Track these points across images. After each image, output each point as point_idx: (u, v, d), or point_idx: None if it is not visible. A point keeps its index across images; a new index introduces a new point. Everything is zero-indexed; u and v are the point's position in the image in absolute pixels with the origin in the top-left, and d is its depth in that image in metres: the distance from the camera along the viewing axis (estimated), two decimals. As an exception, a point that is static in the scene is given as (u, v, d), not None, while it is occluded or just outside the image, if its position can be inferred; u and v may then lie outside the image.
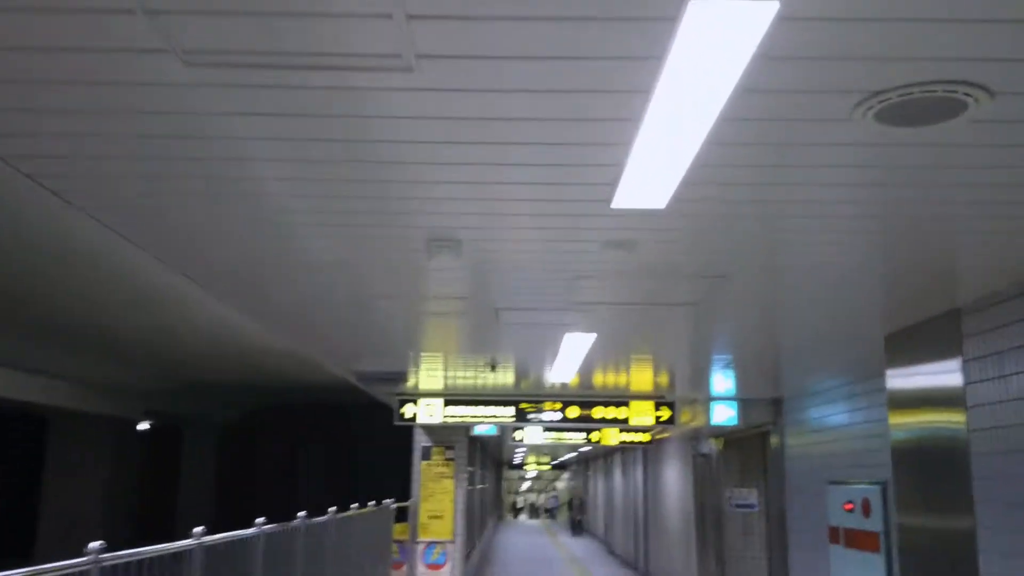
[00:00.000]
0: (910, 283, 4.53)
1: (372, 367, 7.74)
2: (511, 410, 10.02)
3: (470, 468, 17.01)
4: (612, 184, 3.02)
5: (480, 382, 9.35)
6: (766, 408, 9.96)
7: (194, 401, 17.70)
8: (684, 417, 10.22)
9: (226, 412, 19.32)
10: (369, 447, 18.75)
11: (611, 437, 15.28)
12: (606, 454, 27.83)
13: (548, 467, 49.60)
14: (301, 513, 7.38)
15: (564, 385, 9.53)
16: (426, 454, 14.45)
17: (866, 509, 7.33)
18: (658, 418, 9.94)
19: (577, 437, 15.29)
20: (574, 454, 33.54)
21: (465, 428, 13.47)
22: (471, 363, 7.81)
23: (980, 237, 3.72)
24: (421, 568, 13.95)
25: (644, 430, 14.22)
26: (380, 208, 3.33)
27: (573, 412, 10.03)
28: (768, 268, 4.26)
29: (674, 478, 15.46)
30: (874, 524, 7.15)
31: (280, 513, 6.78)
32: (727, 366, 8.36)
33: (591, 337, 6.02)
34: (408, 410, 9.98)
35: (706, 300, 4.83)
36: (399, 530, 13.84)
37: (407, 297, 4.87)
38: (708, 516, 13.75)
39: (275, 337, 6.83)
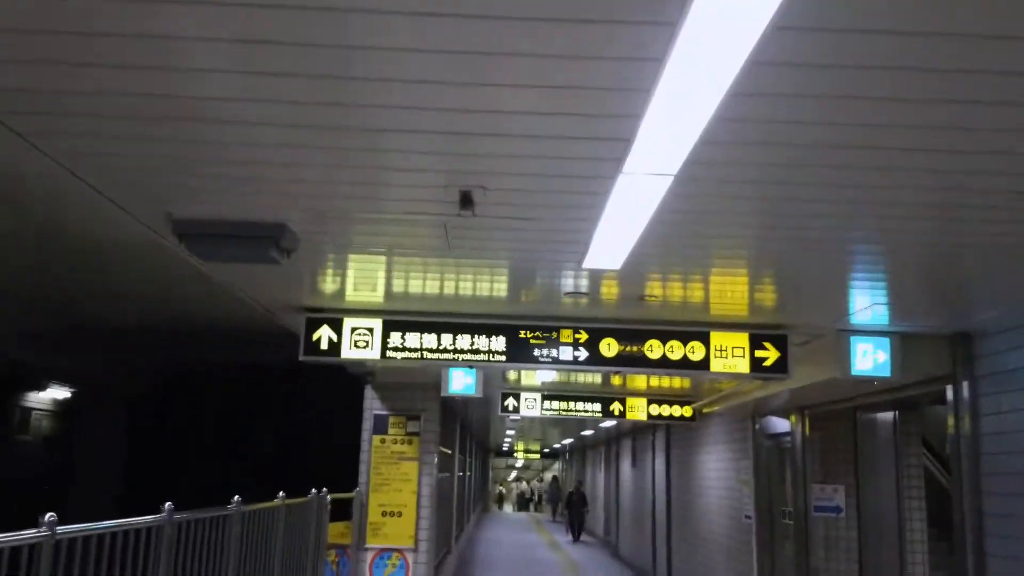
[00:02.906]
0: None
1: (209, 208, 3.55)
2: (501, 341, 5.79)
3: (446, 449, 12.81)
4: None
5: (450, 283, 5.17)
6: (941, 349, 5.77)
7: (89, 361, 13.51)
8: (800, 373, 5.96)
9: (137, 380, 15.11)
10: (320, 420, 14.61)
11: (640, 411, 11.09)
12: (609, 440, 23.66)
13: (537, 456, 45.59)
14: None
15: (595, 295, 5.34)
16: (380, 426, 10.28)
17: None
18: (758, 361, 5.72)
19: (592, 408, 11.11)
20: (569, 440, 29.33)
21: (432, 383, 9.24)
22: (424, 206, 3.63)
23: None
24: (370, 585, 9.81)
25: (728, 380, 9.99)
26: None
27: (609, 347, 5.80)
28: None
29: (720, 468, 11.32)
30: None
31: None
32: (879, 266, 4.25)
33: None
34: (324, 336, 5.73)
35: None
36: (337, 532, 9.67)
37: None
38: (781, 521, 9.64)
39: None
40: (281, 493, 7.43)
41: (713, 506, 11.65)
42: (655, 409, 11.04)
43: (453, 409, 13.75)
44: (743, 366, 5.70)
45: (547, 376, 9.56)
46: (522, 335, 5.77)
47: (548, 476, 51.05)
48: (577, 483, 26.58)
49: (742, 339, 5.76)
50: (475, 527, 27.70)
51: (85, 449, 14.27)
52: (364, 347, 5.69)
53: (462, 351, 5.75)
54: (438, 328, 5.76)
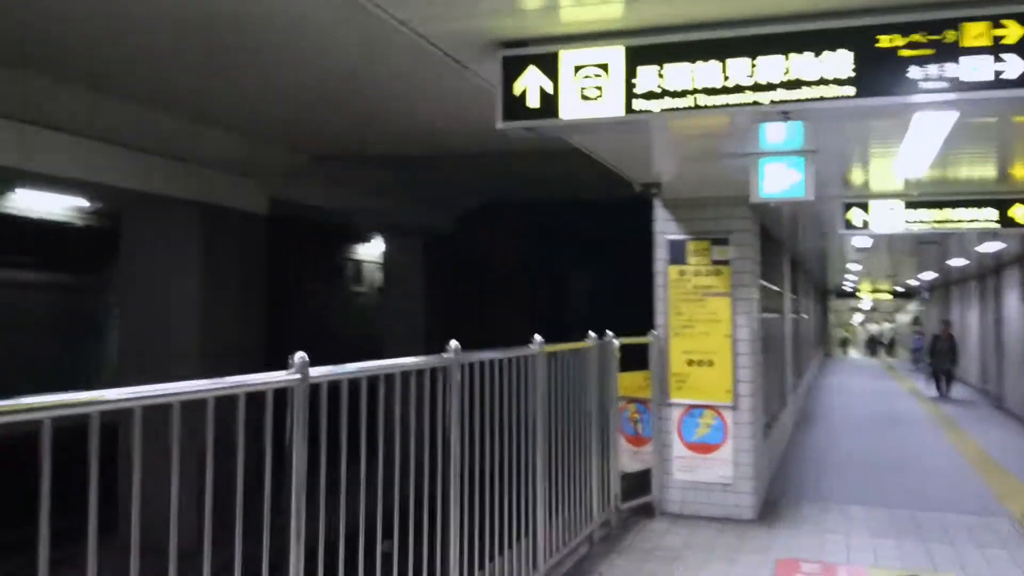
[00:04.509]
0: None
1: None
2: (843, 60, 3.17)
3: (776, 285, 10.24)
4: None
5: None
6: None
7: (384, 197, 12.81)
8: None
9: (432, 217, 14.34)
10: (617, 255, 12.77)
11: (1064, 210, 7.53)
12: (984, 273, 19.10)
13: (887, 296, 40.44)
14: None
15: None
16: (677, 254, 8.01)
17: None
18: None
19: (982, 216, 7.78)
20: (929, 276, 24.59)
21: (742, 195, 6.68)
22: None
23: None
24: (679, 448, 7.88)
25: None
26: None
27: (1076, 39, 2.93)
28: None
29: None
30: None
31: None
32: None
33: None
34: (531, 84, 3.52)
35: None
36: (634, 384, 7.77)
37: None
38: None
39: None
40: (537, 338, 5.62)
41: None
42: (1089, 209, 7.42)
43: (777, 237, 11.01)
44: None
45: (913, 168, 6.51)
46: (883, 43, 3.07)
47: (900, 318, 45.44)
48: (943, 324, 21.93)
49: None
50: (817, 375, 24.77)
51: (394, 292, 14.08)
52: (596, 98, 3.39)
53: (767, 87, 3.22)
54: (721, 48, 3.25)
